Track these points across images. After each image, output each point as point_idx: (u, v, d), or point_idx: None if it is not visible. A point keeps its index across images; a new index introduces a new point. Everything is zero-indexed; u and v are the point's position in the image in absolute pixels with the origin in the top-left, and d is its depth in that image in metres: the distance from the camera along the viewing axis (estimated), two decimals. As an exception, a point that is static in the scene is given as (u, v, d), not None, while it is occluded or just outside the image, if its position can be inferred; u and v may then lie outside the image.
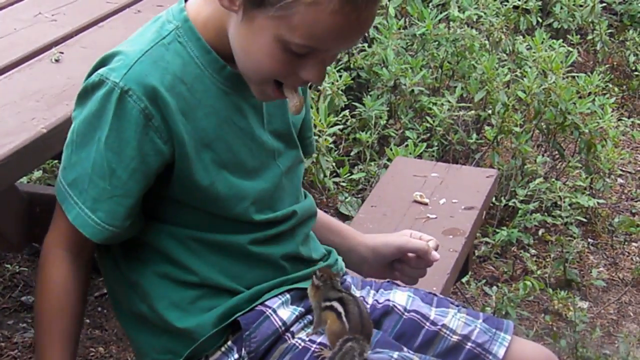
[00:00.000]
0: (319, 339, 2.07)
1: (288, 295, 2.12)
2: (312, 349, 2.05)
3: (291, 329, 2.09)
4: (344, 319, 2.03)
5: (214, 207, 2.03)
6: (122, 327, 2.19)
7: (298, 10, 1.83)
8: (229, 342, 2.07)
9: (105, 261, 2.12)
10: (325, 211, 4.65)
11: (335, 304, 2.05)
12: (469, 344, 2.23)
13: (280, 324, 2.07)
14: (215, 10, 1.96)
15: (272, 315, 2.07)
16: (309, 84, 2.15)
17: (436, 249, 2.41)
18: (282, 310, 2.09)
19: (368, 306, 2.25)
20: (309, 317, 2.13)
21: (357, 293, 2.28)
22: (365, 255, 2.41)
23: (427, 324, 2.24)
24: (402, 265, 2.44)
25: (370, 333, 2.06)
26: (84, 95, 1.96)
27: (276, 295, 2.10)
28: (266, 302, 2.08)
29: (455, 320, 2.25)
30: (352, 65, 5.10)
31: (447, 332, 2.23)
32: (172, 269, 2.05)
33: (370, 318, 2.09)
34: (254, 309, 2.07)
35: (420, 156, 4.50)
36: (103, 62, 1.96)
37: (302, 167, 2.25)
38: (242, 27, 1.90)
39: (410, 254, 2.41)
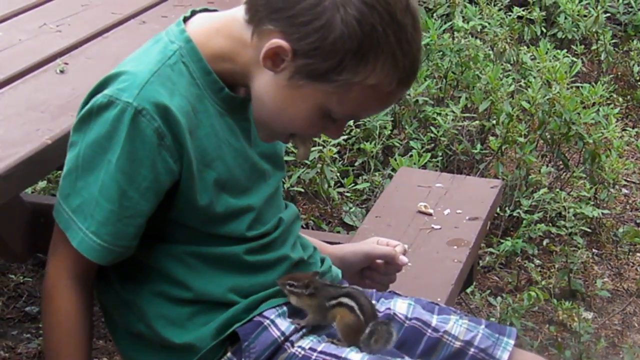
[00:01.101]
0: (320, 347, 2.08)
1: (285, 308, 2.12)
2: (313, 357, 2.06)
3: (290, 339, 2.09)
4: (358, 312, 2.08)
5: (208, 226, 2.04)
6: (118, 347, 2.18)
7: (357, 89, 1.89)
8: (229, 354, 2.07)
9: (99, 283, 2.11)
10: (329, 221, 4.67)
11: (345, 300, 2.10)
12: (472, 349, 2.22)
13: (279, 333, 2.07)
14: (232, 47, 1.98)
15: (270, 325, 2.07)
16: None
17: (404, 254, 2.45)
18: (280, 321, 2.09)
19: None
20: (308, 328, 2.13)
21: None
22: (335, 265, 2.42)
23: (429, 331, 2.24)
24: (372, 273, 2.47)
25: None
26: (88, 118, 1.94)
27: (273, 307, 2.10)
28: (264, 313, 2.09)
29: (457, 327, 2.25)
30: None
31: (450, 339, 2.23)
32: (167, 287, 2.05)
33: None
34: (252, 320, 2.07)
35: (424, 166, 4.49)
36: (105, 84, 1.94)
37: (281, 183, 2.28)
38: (283, 89, 1.92)
39: (378, 261, 2.44)
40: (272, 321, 2.08)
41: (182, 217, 2.01)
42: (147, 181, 1.92)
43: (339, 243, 2.71)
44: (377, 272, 2.46)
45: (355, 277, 2.46)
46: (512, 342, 2.24)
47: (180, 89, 1.95)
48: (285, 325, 2.09)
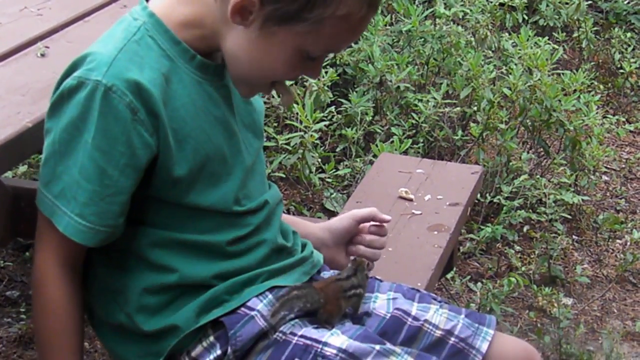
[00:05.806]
0: (301, 332, 2.07)
1: (270, 296, 2.10)
2: (294, 341, 2.06)
3: (275, 327, 2.08)
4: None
5: (192, 200, 2.03)
6: (99, 338, 2.18)
7: (329, 23, 1.88)
8: (212, 338, 2.06)
9: (87, 272, 2.11)
10: (310, 207, 4.67)
11: None
12: (452, 338, 2.22)
13: (265, 324, 2.07)
14: (196, 12, 1.98)
15: (256, 316, 2.07)
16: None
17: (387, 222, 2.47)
18: (266, 310, 2.08)
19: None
20: (292, 315, 2.13)
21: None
22: (322, 236, 2.43)
23: (410, 319, 2.24)
24: (357, 247, 2.45)
25: None
26: (60, 102, 1.94)
27: (257, 296, 2.09)
28: (249, 304, 2.08)
29: (437, 316, 2.25)
30: (338, 62, 5.11)
31: (430, 327, 2.23)
32: (151, 273, 2.04)
33: None
34: (237, 312, 2.06)
35: (405, 152, 4.50)
36: (74, 67, 1.95)
37: (263, 154, 2.27)
38: (256, 40, 1.92)
39: (363, 226, 2.45)
40: (259, 311, 2.07)
41: (165, 191, 2.00)
42: (124, 157, 1.92)
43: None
44: (363, 242, 2.45)
45: (343, 254, 2.45)
46: (491, 331, 2.25)
47: (150, 62, 1.95)
48: (268, 311, 2.09)
